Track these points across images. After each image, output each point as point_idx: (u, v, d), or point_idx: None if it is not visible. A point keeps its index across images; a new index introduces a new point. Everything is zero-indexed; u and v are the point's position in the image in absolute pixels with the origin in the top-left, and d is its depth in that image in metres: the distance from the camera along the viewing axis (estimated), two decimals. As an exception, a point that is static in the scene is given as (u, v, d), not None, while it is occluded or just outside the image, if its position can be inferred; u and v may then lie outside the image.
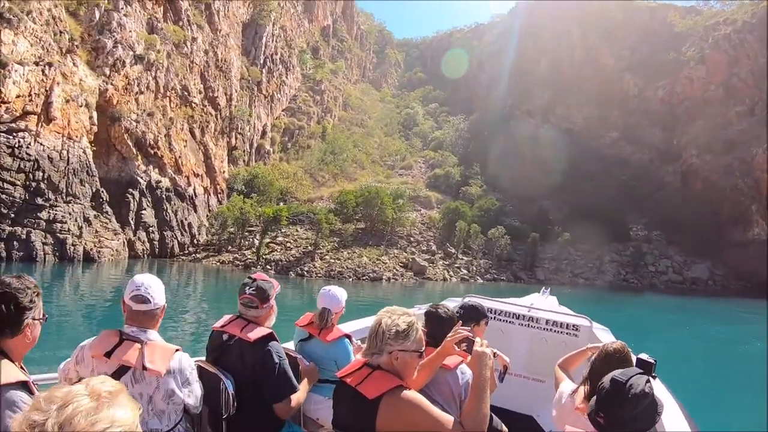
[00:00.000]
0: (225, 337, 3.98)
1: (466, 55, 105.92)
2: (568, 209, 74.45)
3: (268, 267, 51.15)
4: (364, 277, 50.80)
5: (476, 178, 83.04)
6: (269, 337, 3.88)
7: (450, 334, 3.51)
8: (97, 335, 3.39)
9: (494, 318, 6.91)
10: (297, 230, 60.63)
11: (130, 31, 55.19)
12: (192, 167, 62.25)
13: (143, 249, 51.39)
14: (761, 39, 70.70)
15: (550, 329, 6.94)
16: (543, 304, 7.90)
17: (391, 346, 3.03)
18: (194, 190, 62.24)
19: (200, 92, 66.02)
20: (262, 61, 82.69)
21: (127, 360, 3.21)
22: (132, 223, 51.19)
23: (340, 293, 4.87)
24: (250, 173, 71.74)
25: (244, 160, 75.79)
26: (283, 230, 59.37)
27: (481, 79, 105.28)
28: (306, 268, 51.26)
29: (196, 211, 61.18)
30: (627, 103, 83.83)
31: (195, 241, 58.26)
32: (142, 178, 54.40)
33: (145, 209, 53.22)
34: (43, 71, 43.45)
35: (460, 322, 4.02)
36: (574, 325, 6.88)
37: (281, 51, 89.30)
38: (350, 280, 48.91)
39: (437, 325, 4.08)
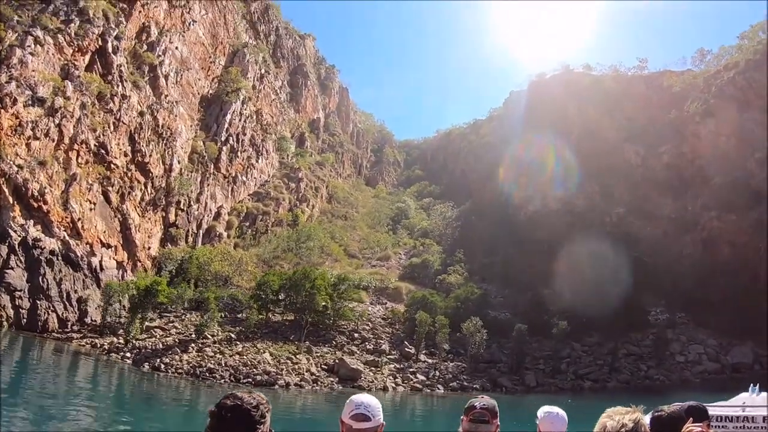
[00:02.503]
0: None
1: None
2: (570, 297, 59.45)
3: (126, 356, 39.49)
4: (245, 380, 37.78)
5: (458, 265, 69.69)
6: None
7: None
8: None
9: None
10: (195, 316, 48.51)
11: (33, 71, 47.24)
12: (98, 235, 51.08)
13: (3, 316, 39.52)
14: (774, 72, 59.73)
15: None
16: (756, 401, 7.56)
17: None
18: (101, 262, 50.41)
19: (126, 155, 56.40)
20: (223, 139, 74.15)
21: None
22: (-9, 283, 39.52)
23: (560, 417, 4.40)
24: (186, 254, 59.63)
25: (187, 241, 64.14)
26: (179, 314, 48.61)
27: (478, 171, 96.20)
28: (167, 361, 38.75)
29: (99, 287, 48.66)
30: (631, 175, 71.71)
31: (88, 320, 45.34)
32: (16, 232, 42.92)
33: (11, 268, 41.17)
34: None
35: (691, 419, 3.63)
36: None
37: (253, 133, 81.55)
38: (222, 382, 36.78)
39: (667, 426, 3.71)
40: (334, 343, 49.09)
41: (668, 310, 56.56)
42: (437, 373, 46.94)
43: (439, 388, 44.35)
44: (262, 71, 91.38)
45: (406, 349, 50.14)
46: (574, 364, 50.93)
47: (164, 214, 61.84)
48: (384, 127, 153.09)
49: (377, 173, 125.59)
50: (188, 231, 65.10)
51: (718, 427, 6.33)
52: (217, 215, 70.57)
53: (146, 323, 45.10)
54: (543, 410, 4.45)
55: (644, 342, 52.81)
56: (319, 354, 45.55)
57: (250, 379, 37.93)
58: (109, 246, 52.47)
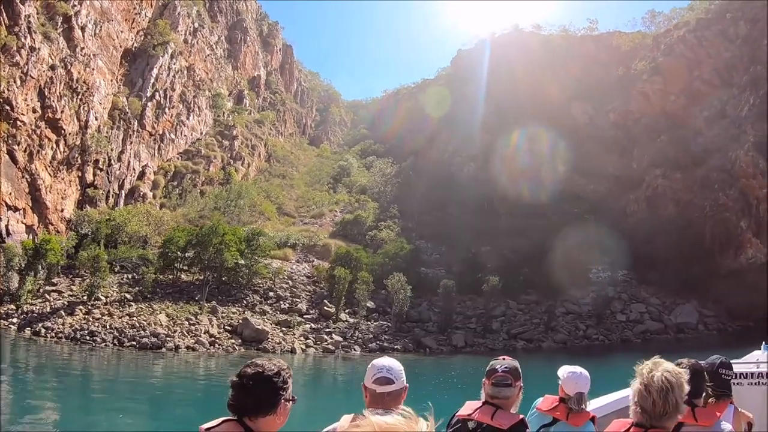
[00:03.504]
0: (472, 425, 3.73)
1: (448, 93, 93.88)
2: (510, 254, 56.81)
3: (12, 322, 35.50)
4: (129, 344, 34.15)
5: (392, 221, 65.90)
6: (521, 424, 3.64)
7: None
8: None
9: None
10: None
11: None
12: (3, 197, 45.07)
13: None
14: (722, 33, 57.31)
15: None
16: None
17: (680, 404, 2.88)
18: (6, 225, 45.23)
19: (34, 111, 50.33)
20: (149, 95, 67.98)
21: None
22: None
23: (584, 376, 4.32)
24: (105, 215, 54.20)
25: (107, 202, 58.58)
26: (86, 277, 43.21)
27: (424, 129, 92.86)
28: (48, 325, 34.95)
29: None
30: (577, 133, 68.97)
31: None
32: None
33: None
34: None
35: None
36: None
37: (183, 89, 75.43)
38: (103, 346, 33.26)
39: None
40: (245, 302, 45.32)
41: (611, 268, 54.13)
42: (358, 333, 43.63)
43: (355, 350, 41.17)
44: (196, 25, 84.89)
45: (326, 308, 46.54)
46: (508, 323, 48.07)
47: (80, 174, 56.08)
48: (331, 87, 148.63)
49: (322, 133, 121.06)
50: (109, 192, 59.56)
51: (734, 384, 5.65)
52: (142, 174, 64.92)
53: (46, 287, 40.29)
54: (565, 370, 4.37)
55: (584, 300, 50.32)
56: (225, 314, 41.83)
57: (135, 342, 34.19)
58: (16, 209, 47.15)
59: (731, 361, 6.08)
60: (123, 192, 61.24)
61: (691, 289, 48.03)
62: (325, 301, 47.72)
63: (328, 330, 43.35)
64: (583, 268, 53.54)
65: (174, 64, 73.99)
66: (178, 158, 72.52)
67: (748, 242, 47.46)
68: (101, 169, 58.49)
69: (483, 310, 49.22)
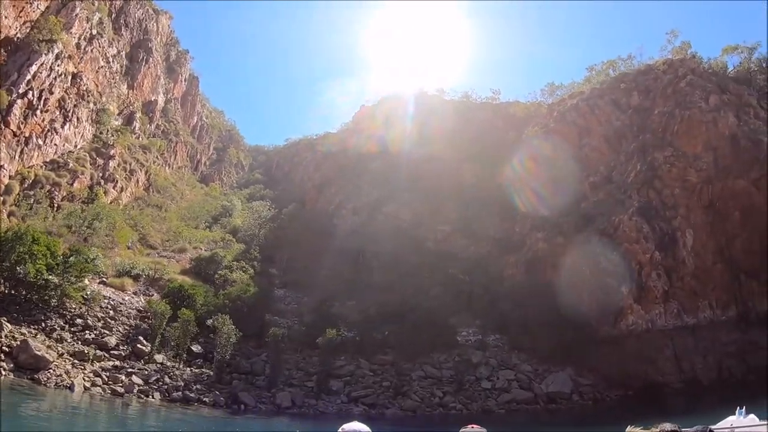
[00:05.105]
0: None
1: (344, 146, 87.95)
2: (375, 310, 48.97)
3: None
4: None
5: (251, 264, 57.92)
6: None
7: None
8: None
9: None
10: None
11: None
12: None
13: None
14: (614, 102, 55.11)
15: None
16: (743, 423, 8.33)
17: None
18: None
19: None
20: (21, 91, 56.81)
21: None
22: None
23: None
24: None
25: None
26: None
27: (315, 179, 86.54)
28: None
29: None
30: (463, 194, 63.90)
31: None
32: None
33: None
34: None
35: None
36: None
37: (64, 95, 64.65)
38: None
39: None
40: (43, 325, 36.26)
41: (482, 331, 46.64)
42: (167, 379, 35.58)
43: (154, 396, 33.51)
44: (94, 32, 75.27)
45: (140, 345, 38.17)
46: (354, 383, 38.95)
47: None
48: (234, 128, 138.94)
49: (215, 172, 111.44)
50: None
51: None
52: (-7, 177, 52.57)
53: None
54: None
55: (447, 364, 41.98)
56: (10, 334, 32.98)
57: None
58: None
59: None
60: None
61: (566, 357, 41.24)
62: (140, 338, 39.11)
63: (130, 370, 35.47)
64: (451, 330, 45.84)
65: (58, 66, 63.51)
66: (42, 167, 60.53)
67: (629, 308, 41.75)
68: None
69: (319, 368, 40.10)
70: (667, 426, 4.40)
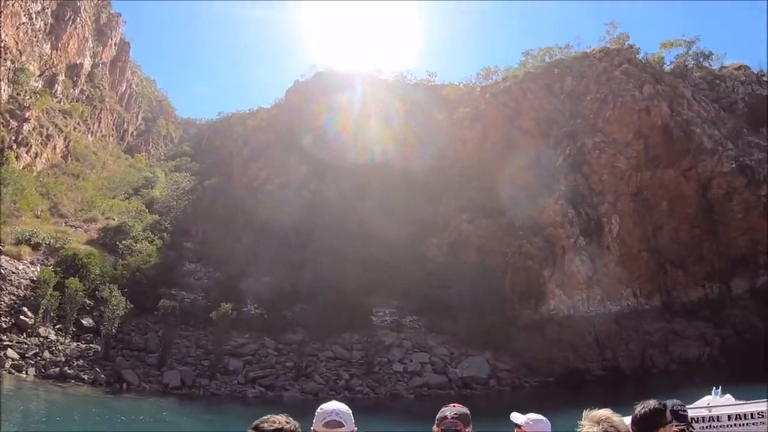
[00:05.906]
0: None
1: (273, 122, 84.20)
2: (289, 289, 45.68)
3: None
4: None
5: (160, 235, 53.58)
6: None
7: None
8: None
9: None
10: None
11: None
12: None
13: None
14: (548, 86, 53.60)
15: (734, 425, 6.92)
16: (720, 402, 8.23)
17: None
18: None
19: None
20: None
21: None
22: None
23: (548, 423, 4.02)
24: None
25: None
26: None
27: (243, 154, 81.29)
28: None
29: None
30: (389, 175, 61.21)
31: None
32: None
33: None
34: None
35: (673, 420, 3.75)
36: (759, 413, 7.11)
37: None
38: None
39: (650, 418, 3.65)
40: None
41: (399, 312, 44.02)
42: (47, 353, 32.76)
43: (28, 373, 30.98)
44: None
45: (22, 317, 34.53)
46: (256, 363, 35.58)
47: None
48: (165, 98, 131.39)
49: (143, 143, 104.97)
50: None
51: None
52: None
53: None
54: (528, 417, 3.97)
55: (358, 345, 39.03)
56: None
57: None
58: None
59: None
60: None
61: (485, 341, 39.18)
62: (25, 309, 35.29)
63: (7, 343, 32.69)
64: (366, 310, 42.97)
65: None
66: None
67: (551, 293, 40.09)
68: None
69: (229, 347, 36.59)
70: (652, 402, 3.49)
